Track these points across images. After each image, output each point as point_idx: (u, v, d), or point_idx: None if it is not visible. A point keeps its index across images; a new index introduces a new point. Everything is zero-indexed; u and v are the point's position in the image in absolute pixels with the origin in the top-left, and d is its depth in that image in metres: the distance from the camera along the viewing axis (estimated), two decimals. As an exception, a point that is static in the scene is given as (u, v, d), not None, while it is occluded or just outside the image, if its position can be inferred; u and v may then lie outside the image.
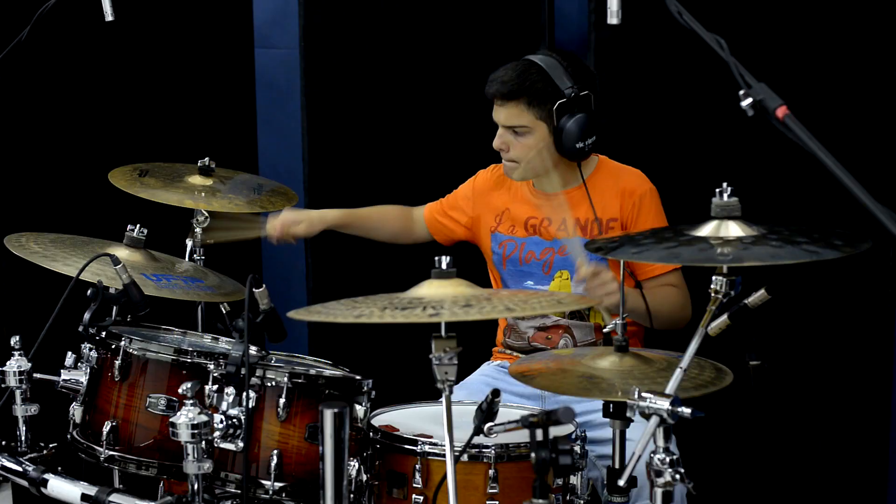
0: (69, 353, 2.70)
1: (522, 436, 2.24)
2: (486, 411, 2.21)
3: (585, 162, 3.06)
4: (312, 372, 2.57)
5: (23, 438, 2.71)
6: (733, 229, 2.10)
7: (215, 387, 2.46)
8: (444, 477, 2.17)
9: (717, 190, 2.14)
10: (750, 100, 1.84)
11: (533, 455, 1.91)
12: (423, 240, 3.33)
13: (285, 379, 2.45)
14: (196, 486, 2.35)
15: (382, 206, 3.37)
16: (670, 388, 2.09)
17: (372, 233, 3.36)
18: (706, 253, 2.04)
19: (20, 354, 2.70)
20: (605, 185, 3.04)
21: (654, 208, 3.02)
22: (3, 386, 2.69)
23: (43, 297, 2.85)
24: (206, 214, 3.38)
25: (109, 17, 2.73)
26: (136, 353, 2.57)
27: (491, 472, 2.37)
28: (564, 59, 2.96)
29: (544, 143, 2.97)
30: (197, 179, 3.42)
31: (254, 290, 2.53)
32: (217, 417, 2.38)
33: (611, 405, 2.32)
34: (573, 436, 2.49)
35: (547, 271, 3.07)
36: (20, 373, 2.68)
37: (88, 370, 2.63)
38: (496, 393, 2.21)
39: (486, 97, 3.02)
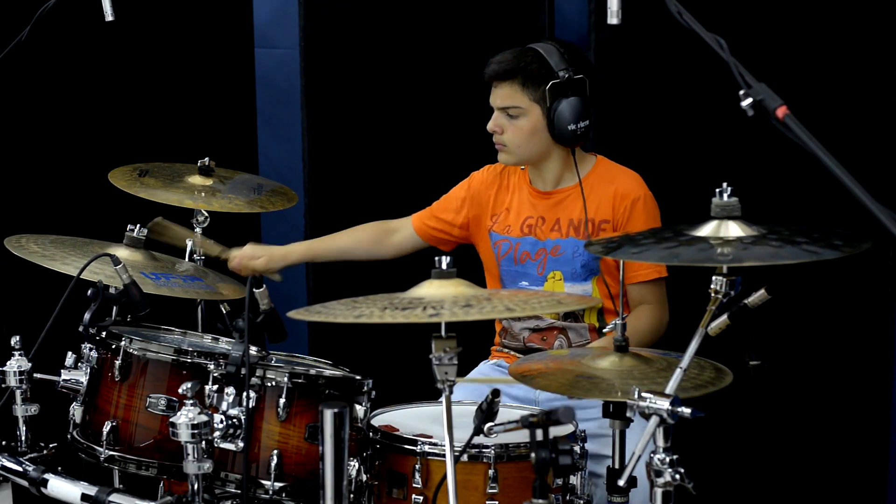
0: (69, 353, 2.69)
1: (522, 436, 2.24)
2: (486, 411, 2.21)
3: (583, 161, 3.06)
4: (312, 372, 2.57)
5: (23, 438, 2.71)
6: (733, 229, 2.10)
7: (215, 387, 2.46)
8: (444, 477, 2.17)
9: (717, 190, 2.14)
10: (750, 100, 1.85)
11: (533, 455, 1.91)
12: (406, 251, 3.29)
13: (285, 379, 2.45)
14: (196, 486, 2.35)
15: (353, 228, 3.34)
16: (670, 388, 2.09)
17: (346, 256, 3.34)
18: (706, 253, 2.04)
19: (20, 354, 2.70)
20: (600, 186, 3.04)
21: (644, 215, 3.01)
22: (3, 386, 2.69)
23: (43, 297, 2.85)
24: (206, 214, 3.38)
25: (109, 17, 2.73)
26: (136, 353, 2.57)
27: (491, 472, 2.36)
28: (562, 46, 3.00)
29: (537, 127, 2.98)
30: (197, 179, 3.41)
31: (254, 290, 2.53)
32: (217, 417, 2.38)
33: (611, 405, 2.32)
34: (573, 436, 2.50)
35: (541, 272, 3.07)
36: (20, 373, 2.68)
37: (88, 370, 2.63)
38: (496, 393, 2.21)
39: (485, 96, 3.03)
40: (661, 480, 2.05)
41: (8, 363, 2.69)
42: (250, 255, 3.26)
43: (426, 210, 3.29)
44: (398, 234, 3.30)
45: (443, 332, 2.09)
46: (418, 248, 3.27)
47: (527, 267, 3.09)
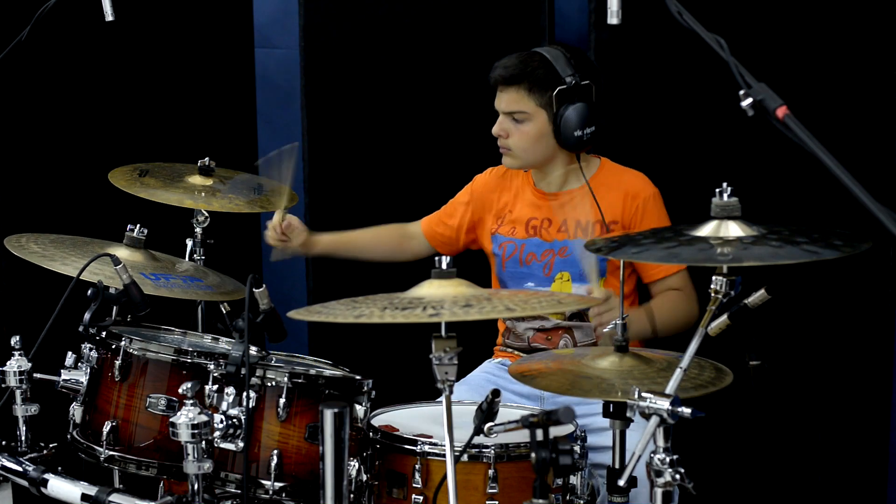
0: (69, 353, 2.69)
1: (522, 436, 2.24)
2: (487, 411, 2.21)
3: (587, 163, 3.07)
4: (312, 372, 2.57)
5: (23, 438, 2.71)
6: (733, 229, 2.10)
7: (215, 387, 2.46)
8: (444, 477, 2.17)
9: (717, 190, 2.14)
10: (750, 100, 1.85)
11: (533, 455, 1.91)
12: (422, 255, 3.30)
13: (285, 379, 2.45)
14: (196, 486, 2.35)
15: (374, 228, 3.35)
16: (670, 388, 2.09)
17: (365, 255, 3.34)
18: (706, 253, 2.04)
19: (20, 354, 2.70)
20: (607, 187, 3.04)
21: (657, 212, 3.02)
22: (3, 386, 2.69)
23: (43, 297, 2.85)
24: (206, 214, 3.38)
25: (109, 17, 2.73)
26: (136, 353, 2.57)
27: (491, 472, 2.36)
28: (568, 51, 2.99)
29: (543, 132, 2.98)
30: (197, 179, 3.41)
31: (254, 289, 2.53)
32: (217, 417, 2.38)
33: (611, 405, 2.32)
34: (573, 436, 2.50)
35: (547, 273, 3.07)
36: (20, 373, 2.68)
37: (88, 370, 2.63)
38: (496, 393, 2.21)
39: (486, 97, 3.03)
40: (661, 480, 2.06)
41: (8, 363, 2.69)
42: (299, 228, 3.20)
43: (434, 215, 3.30)
44: (415, 239, 3.32)
45: (443, 332, 2.09)
46: (434, 253, 3.27)
47: (532, 268, 3.09)
